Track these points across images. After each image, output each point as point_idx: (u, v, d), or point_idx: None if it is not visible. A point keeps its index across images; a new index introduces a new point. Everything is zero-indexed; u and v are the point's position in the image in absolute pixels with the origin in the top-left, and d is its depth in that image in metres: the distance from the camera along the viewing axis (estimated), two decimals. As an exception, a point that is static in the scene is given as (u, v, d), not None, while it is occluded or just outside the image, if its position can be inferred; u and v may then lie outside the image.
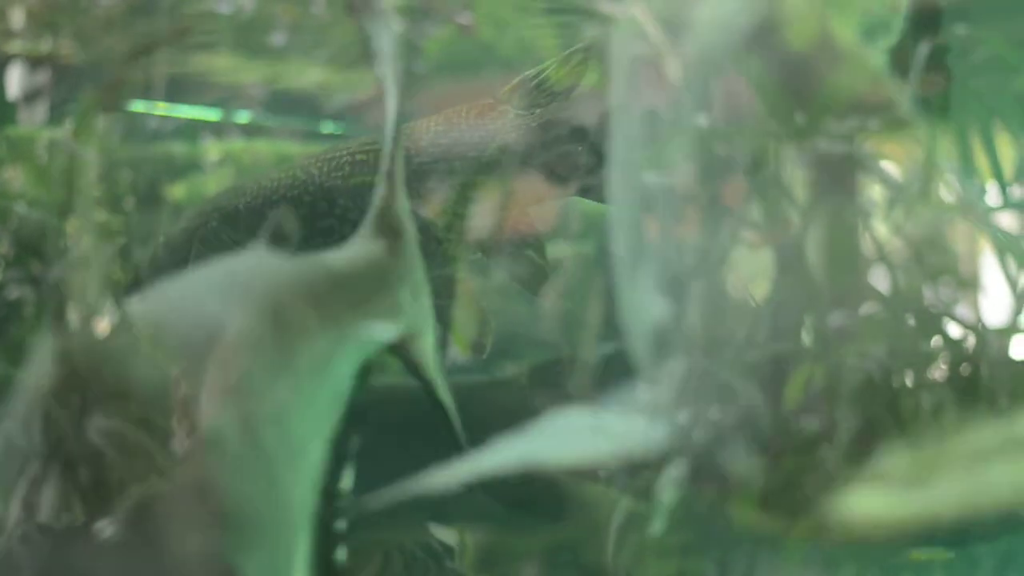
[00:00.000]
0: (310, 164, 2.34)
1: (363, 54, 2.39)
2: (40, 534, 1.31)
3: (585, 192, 2.20)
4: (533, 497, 2.20)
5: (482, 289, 2.28)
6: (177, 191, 2.82)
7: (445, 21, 2.53)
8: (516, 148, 2.23)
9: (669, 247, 1.47)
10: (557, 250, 2.42)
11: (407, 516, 1.51)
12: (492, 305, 2.27)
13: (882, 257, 1.44)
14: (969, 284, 1.44)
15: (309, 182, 2.30)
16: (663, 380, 1.43)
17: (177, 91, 2.83)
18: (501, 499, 2.18)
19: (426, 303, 1.87)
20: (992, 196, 1.85)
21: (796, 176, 1.46)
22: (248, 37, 2.71)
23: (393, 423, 2.16)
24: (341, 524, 1.56)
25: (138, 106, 2.80)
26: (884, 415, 1.37)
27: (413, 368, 1.86)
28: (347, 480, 1.60)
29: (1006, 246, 1.49)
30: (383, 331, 1.75)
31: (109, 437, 1.33)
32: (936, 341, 1.42)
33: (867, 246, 1.45)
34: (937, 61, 1.50)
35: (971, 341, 1.43)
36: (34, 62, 2.58)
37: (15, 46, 2.56)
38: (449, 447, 1.86)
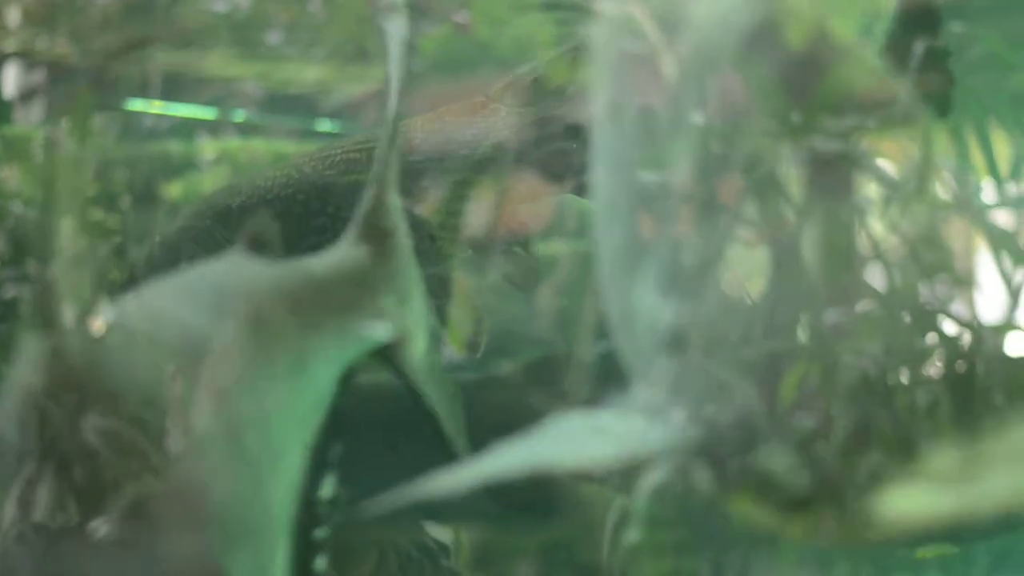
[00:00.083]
0: (304, 163, 2.34)
1: (359, 52, 2.39)
2: (36, 533, 1.31)
3: (580, 190, 2.20)
4: (528, 496, 2.20)
5: (477, 287, 2.27)
6: (173, 190, 2.82)
7: (442, 19, 2.53)
8: (510, 146, 2.23)
9: (662, 245, 1.46)
10: (552, 248, 2.42)
11: (402, 515, 1.51)
12: (487, 303, 2.27)
13: (878, 255, 1.44)
14: (965, 281, 1.44)
15: (303, 181, 2.30)
16: (659, 379, 1.43)
17: (173, 89, 2.83)
18: (496, 498, 2.18)
19: (417, 308, 1.86)
20: (988, 193, 1.85)
21: (792, 174, 1.46)
22: (244, 35, 2.71)
23: (388, 421, 2.16)
24: (321, 532, 1.56)
25: (134, 104, 2.79)
26: (879, 412, 1.37)
27: (401, 375, 1.85)
28: (328, 487, 1.59)
29: (1002, 243, 1.49)
30: (365, 337, 1.74)
31: (94, 437, 1.33)
32: (932, 338, 1.42)
33: (863, 244, 1.45)
34: (935, 61, 1.49)
35: (967, 338, 1.42)
36: (30, 61, 2.58)
37: (11, 45, 2.56)
38: (444, 445, 1.86)
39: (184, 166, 2.89)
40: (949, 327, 1.43)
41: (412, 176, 2.21)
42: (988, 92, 1.86)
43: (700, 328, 1.43)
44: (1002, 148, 1.84)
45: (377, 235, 1.82)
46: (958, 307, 1.44)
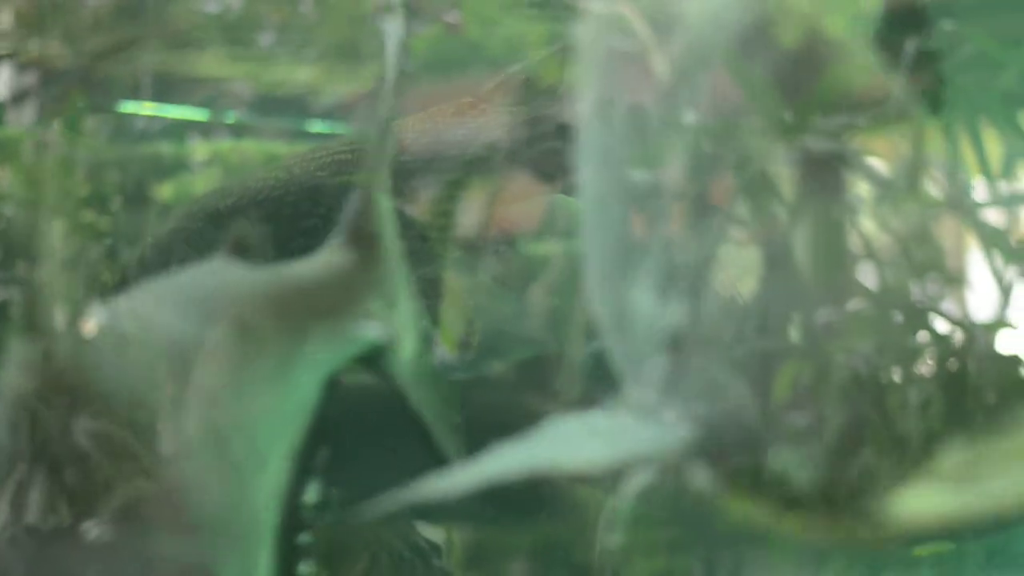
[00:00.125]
0: (294, 164, 2.33)
1: (351, 52, 2.38)
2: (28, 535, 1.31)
3: (571, 189, 2.19)
4: (520, 496, 2.20)
5: (469, 287, 2.27)
6: (165, 191, 2.81)
7: (432, 20, 2.53)
8: (500, 146, 2.23)
9: (654, 245, 1.46)
10: (544, 247, 2.42)
11: (395, 515, 1.51)
12: (479, 303, 2.26)
13: (869, 253, 1.44)
14: (956, 280, 1.44)
15: (292, 182, 2.30)
16: (655, 380, 1.43)
17: (164, 91, 2.83)
18: (488, 498, 2.18)
19: (405, 312, 1.85)
20: (979, 192, 1.85)
21: (783, 173, 1.46)
22: (236, 36, 2.71)
23: (383, 422, 2.16)
24: (305, 537, 1.55)
25: (125, 106, 2.79)
26: (871, 411, 1.37)
27: (388, 381, 1.84)
28: (313, 492, 1.58)
29: (993, 242, 1.49)
30: (351, 342, 1.73)
31: (81, 440, 1.33)
32: (923, 337, 1.42)
33: (854, 242, 1.45)
34: (924, 59, 1.49)
35: (958, 336, 1.43)
36: (22, 63, 2.58)
37: (2, 47, 2.55)
38: (432, 449, 1.86)
39: (175, 167, 2.88)
40: (940, 325, 1.43)
41: (402, 176, 2.21)
42: (979, 90, 1.86)
43: (696, 328, 1.43)
44: (993, 146, 1.84)
45: (363, 239, 1.81)
46: (949, 305, 1.44)
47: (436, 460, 1.87)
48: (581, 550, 2.17)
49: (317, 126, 3.13)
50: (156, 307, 1.52)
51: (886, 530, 1.35)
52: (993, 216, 1.51)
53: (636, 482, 1.40)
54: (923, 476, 1.34)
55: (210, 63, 2.81)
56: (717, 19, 1.48)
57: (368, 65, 2.73)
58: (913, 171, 1.43)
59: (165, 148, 2.90)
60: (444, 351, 2.19)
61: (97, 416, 1.34)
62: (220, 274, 1.63)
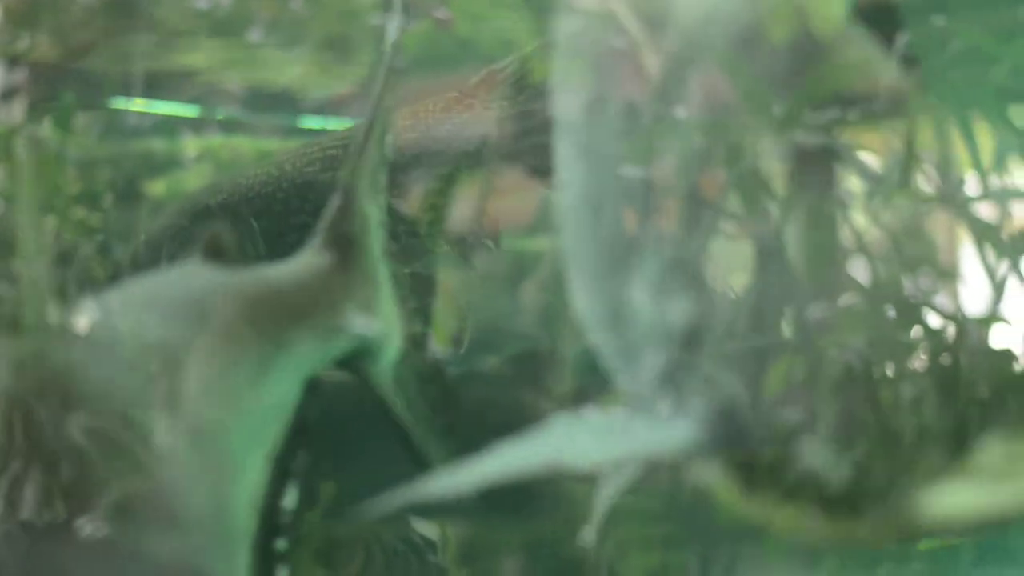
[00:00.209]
0: (285, 160, 2.33)
1: (342, 48, 2.38)
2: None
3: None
4: (515, 491, 2.20)
5: (460, 282, 2.27)
6: (157, 188, 2.81)
7: (423, 16, 2.53)
8: (488, 141, 2.23)
9: (648, 241, 1.46)
10: (536, 243, 2.42)
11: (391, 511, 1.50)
12: (471, 298, 2.26)
13: (861, 248, 1.44)
14: (948, 274, 1.44)
15: (282, 178, 2.30)
16: (655, 377, 1.43)
17: (156, 87, 2.82)
18: (483, 493, 2.18)
19: (387, 315, 1.83)
20: (971, 186, 1.84)
21: (775, 168, 1.46)
22: (227, 33, 2.71)
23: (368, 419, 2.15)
24: (282, 542, 1.54)
25: (117, 102, 2.79)
26: (864, 406, 1.37)
27: (367, 383, 1.83)
28: (290, 498, 1.57)
29: (985, 236, 1.49)
30: (330, 345, 1.72)
31: (56, 440, 1.33)
32: (916, 331, 1.42)
33: (846, 237, 1.45)
34: (905, 56, 1.50)
35: (951, 331, 1.42)
36: (11, 60, 2.58)
37: (-8, 44, 2.55)
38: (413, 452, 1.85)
39: (167, 164, 2.88)
40: (933, 320, 1.43)
41: (392, 171, 2.20)
42: (971, 85, 1.86)
43: (691, 324, 1.43)
44: (985, 141, 1.84)
45: (342, 241, 1.79)
46: (942, 300, 1.44)
47: (417, 463, 1.86)
48: (574, 545, 2.17)
49: (308, 122, 3.12)
50: (125, 310, 1.51)
51: (917, 528, 1.35)
52: (985, 211, 1.50)
53: (620, 478, 1.39)
54: (958, 473, 1.34)
55: (201, 59, 2.81)
56: (709, 16, 1.48)
57: (359, 61, 2.73)
58: (905, 166, 1.43)
59: (156, 144, 2.90)
60: (436, 347, 2.19)
61: (68, 417, 1.34)
62: (192, 277, 1.62)
